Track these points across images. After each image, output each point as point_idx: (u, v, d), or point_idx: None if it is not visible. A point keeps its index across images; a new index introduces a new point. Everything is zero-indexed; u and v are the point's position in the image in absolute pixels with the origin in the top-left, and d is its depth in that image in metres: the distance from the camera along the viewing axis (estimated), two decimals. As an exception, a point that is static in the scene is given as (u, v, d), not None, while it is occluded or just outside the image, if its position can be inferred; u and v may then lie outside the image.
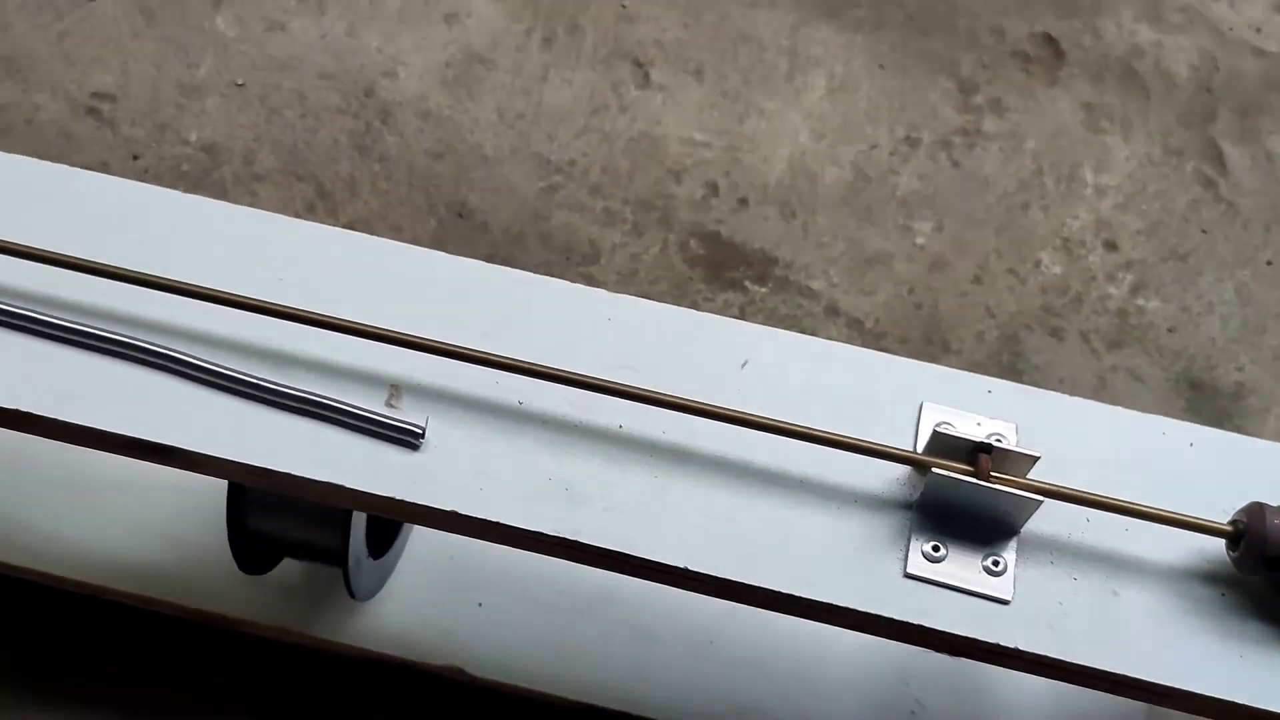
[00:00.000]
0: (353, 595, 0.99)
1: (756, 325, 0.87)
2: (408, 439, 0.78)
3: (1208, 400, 1.45)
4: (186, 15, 1.65)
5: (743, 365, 0.85)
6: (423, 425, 0.78)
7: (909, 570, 0.76)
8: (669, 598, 1.05)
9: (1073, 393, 1.36)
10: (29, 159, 0.91)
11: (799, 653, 1.10)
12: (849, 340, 1.43)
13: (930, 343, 1.45)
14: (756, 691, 1.08)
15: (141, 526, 1.12)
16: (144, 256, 0.85)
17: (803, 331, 1.35)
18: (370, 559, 1.01)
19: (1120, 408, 0.86)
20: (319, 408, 0.79)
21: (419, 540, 1.12)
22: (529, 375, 0.80)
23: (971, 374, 0.86)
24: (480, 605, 1.10)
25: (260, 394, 0.79)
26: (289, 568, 1.07)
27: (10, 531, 1.12)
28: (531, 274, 0.89)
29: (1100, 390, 1.44)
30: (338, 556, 0.95)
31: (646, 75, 1.66)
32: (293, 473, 0.77)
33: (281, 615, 1.09)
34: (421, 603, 1.10)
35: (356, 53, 1.63)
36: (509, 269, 0.89)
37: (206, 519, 1.11)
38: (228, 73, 1.60)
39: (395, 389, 0.81)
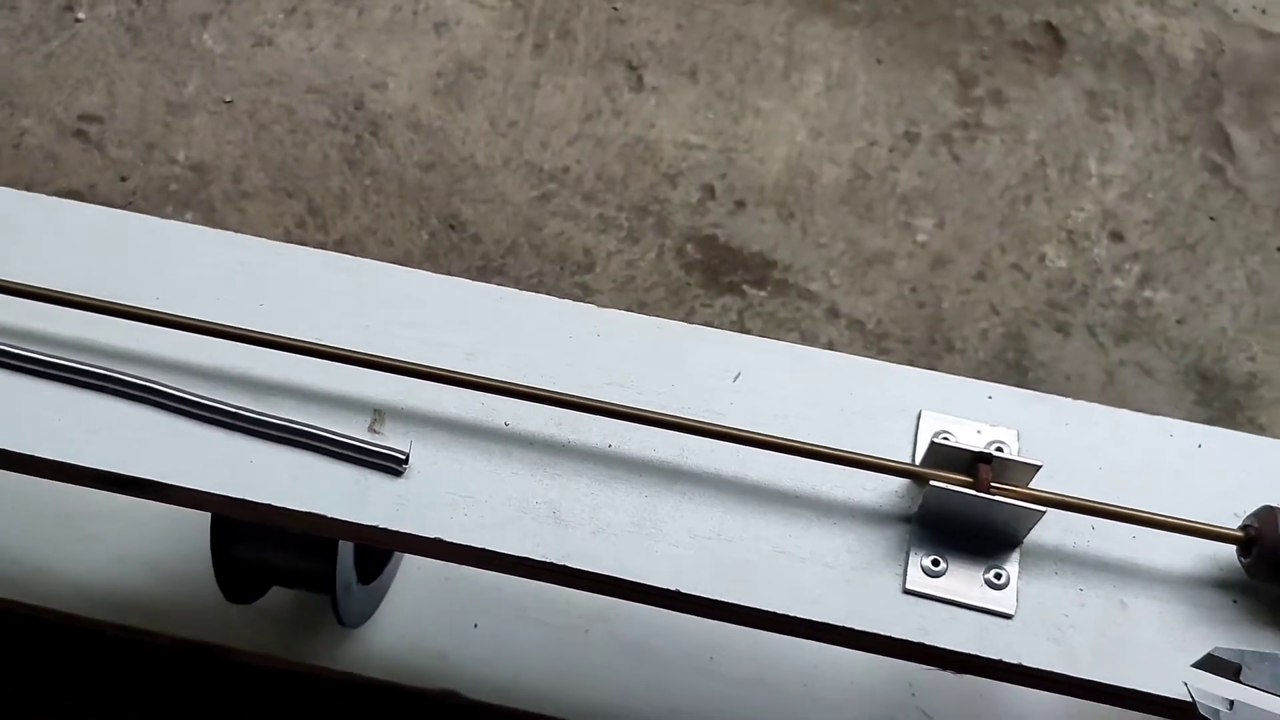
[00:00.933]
0: (341, 622, 0.97)
1: (749, 336, 0.85)
2: (390, 465, 0.76)
3: (1219, 392, 1.42)
4: (173, 33, 1.64)
5: (735, 378, 0.83)
6: (406, 451, 0.76)
7: (908, 586, 0.74)
8: (668, 615, 1.02)
9: (1080, 388, 1.33)
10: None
11: (802, 666, 1.08)
12: (850, 341, 1.40)
13: (934, 342, 1.43)
14: (759, 707, 1.06)
15: (127, 556, 1.11)
16: (118, 286, 0.83)
17: (803, 334, 1.33)
18: (360, 585, 0.99)
19: (1126, 410, 0.83)
20: (299, 435, 0.77)
21: (412, 562, 1.10)
22: (515, 396, 0.78)
23: (971, 380, 0.83)
24: (476, 627, 1.08)
25: (239, 423, 0.77)
26: (279, 593, 1.05)
27: (-3, 564, 1.10)
28: (516, 290, 0.87)
29: (1108, 385, 1.41)
30: (325, 584, 0.93)
31: (640, 78, 1.64)
32: (272, 503, 0.75)
33: (272, 642, 1.07)
34: (416, 625, 1.08)
35: (345, 65, 1.62)
36: (494, 286, 0.86)
37: (194, 547, 1.09)
38: (215, 90, 1.59)
39: (378, 414, 0.79)
